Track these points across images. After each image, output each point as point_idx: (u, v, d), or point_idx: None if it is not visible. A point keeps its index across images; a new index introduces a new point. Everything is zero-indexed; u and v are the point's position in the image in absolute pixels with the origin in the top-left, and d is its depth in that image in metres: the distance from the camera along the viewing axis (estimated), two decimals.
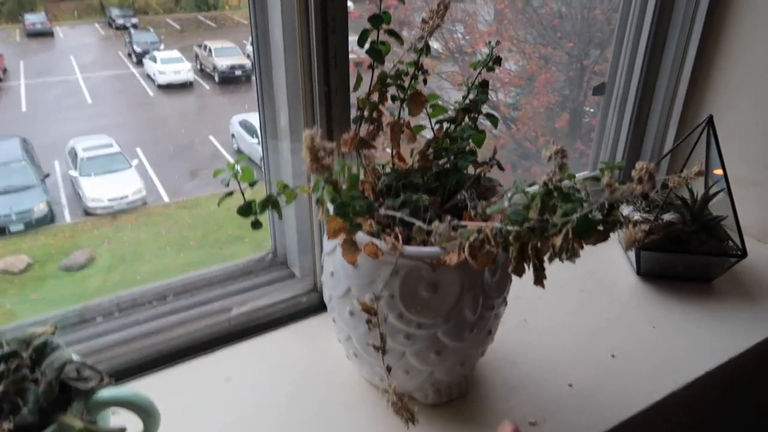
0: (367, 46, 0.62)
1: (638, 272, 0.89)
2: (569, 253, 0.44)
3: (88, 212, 2.60)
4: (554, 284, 0.70)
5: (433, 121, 0.67)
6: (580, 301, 0.83)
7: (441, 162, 0.66)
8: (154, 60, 3.25)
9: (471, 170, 0.66)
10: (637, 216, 0.89)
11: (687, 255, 0.85)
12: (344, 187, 0.45)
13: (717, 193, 0.86)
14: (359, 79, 0.64)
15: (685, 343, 0.75)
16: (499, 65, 0.66)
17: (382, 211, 0.49)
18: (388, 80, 0.63)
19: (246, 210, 0.59)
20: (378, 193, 0.63)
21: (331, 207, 0.44)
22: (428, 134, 0.68)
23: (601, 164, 0.62)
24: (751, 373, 0.82)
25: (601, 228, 0.52)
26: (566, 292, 0.85)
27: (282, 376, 0.67)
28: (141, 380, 0.65)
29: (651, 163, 0.42)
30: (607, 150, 1.09)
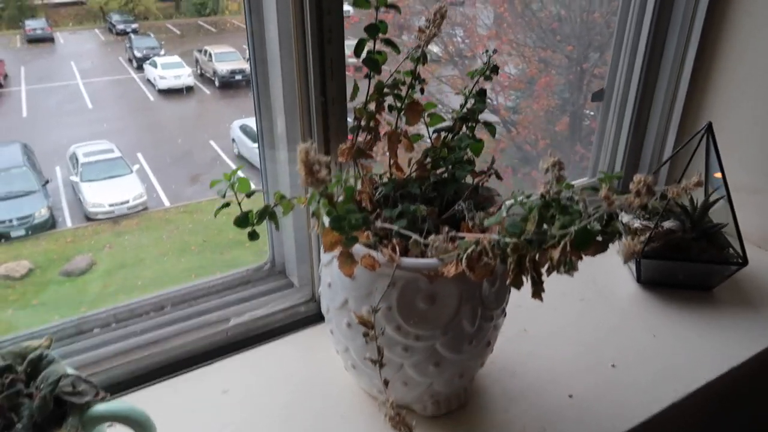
0: (363, 55, 0.62)
1: (638, 280, 0.88)
2: (567, 266, 0.44)
3: (89, 217, 2.60)
4: (554, 292, 0.69)
5: (431, 130, 0.67)
6: (580, 310, 0.83)
7: (439, 171, 0.66)
8: (155, 65, 3.26)
9: (470, 179, 0.66)
10: (636, 223, 0.88)
11: (687, 263, 0.85)
12: (340, 199, 0.44)
13: (717, 200, 0.85)
14: (356, 88, 0.63)
15: (686, 353, 0.75)
16: (497, 74, 0.66)
17: (379, 223, 0.49)
18: (385, 89, 0.63)
19: (243, 221, 0.58)
20: (375, 204, 0.63)
21: (326, 220, 0.44)
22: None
23: (599, 174, 0.62)
24: (751, 383, 0.81)
25: (600, 239, 0.51)
26: (566, 301, 0.84)
27: (279, 388, 0.67)
28: (138, 393, 0.65)
29: (648, 176, 0.42)
30: (606, 156, 1.09)
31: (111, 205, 2.69)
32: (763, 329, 0.79)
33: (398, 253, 0.53)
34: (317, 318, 0.77)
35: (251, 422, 0.63)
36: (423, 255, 0.53)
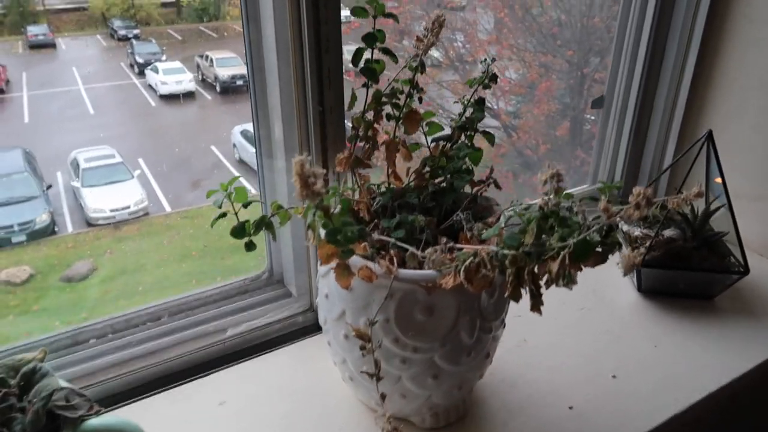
0: (361, 64, 0.61)
1: (639, 289, 0.87)
2: (566, 279, 0.43)
3: (90, 223, 2.60)
4: (554, 302, 0.68)
5: (429, 139, 0.66)
6: (580, 319, 0.82)
7: (437, 181, 0.65)
8: (156, 71, 3.26)
9: (469, 189, 0.65)
10: (637, 232, 0.88)
11: (688, 272, 0.84)
12: (336, 211, 0.44)
13: (718, 208, 0.85)
14: (353, 97, 0.63)
15: (687, 363, 0.74)
16: (495, 83, 0.65)
17: (376, 235, 0.48)
18: (383, 98, 0.63)
19: (239, 231, 0.58)
20: (373, 214, 0.63)
21: (322, 233, 0.44)
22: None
23: (599, 183, 0.62)
24: (752, 394, 0.80)
25: (599, 250, 0.51)
26: (566, 310, 0.84)
27: (276, 399, 0.66)
28: (133, 405, 0.64)
29: (648, 189, 0.41)
30: (606, 164, 1.09)
31: (112, 211, 2.68)
32: (764, 339, 0.79)
33: (396, 264, 0.53)
34: (315, 328, 0.77)
35: None
36: (420, 266, 0.53)
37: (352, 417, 0.64)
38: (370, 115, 0.63)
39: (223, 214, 0.59)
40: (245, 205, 0.59)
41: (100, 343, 0.68)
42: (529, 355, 0.74)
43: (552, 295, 0.46)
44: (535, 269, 0.47)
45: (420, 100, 0.64)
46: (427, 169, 0.66)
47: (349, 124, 0.67)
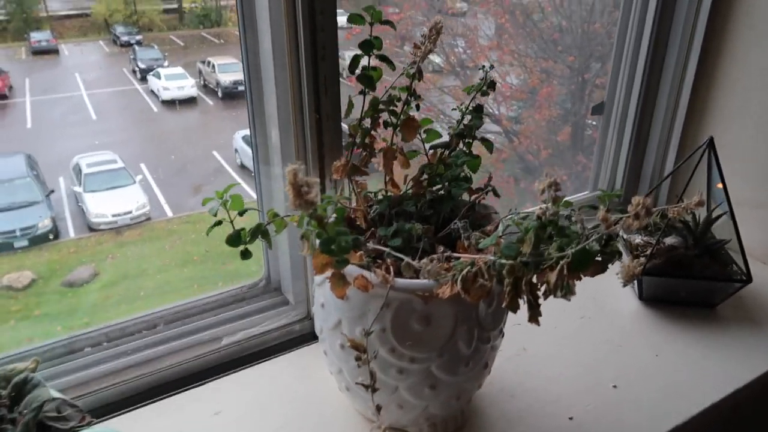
0: (358, 71, 0.61)
1: (640, 297, 0.87)
2: (564, 290, 0.43)
3: (92, 228, 2.60)
4: (554, 310, 0.68)
5: (427, 146, 0.66)
6: (580, 328, 0.81)
7: (435, 189, 0.65)
8: (158, 76, 3.27)
9: (467, 197, 0.64)
10: (638, 239, 0.87)
11: (690, 280, 0.83)
12: (331, 220, 0.43)
13: (720, 216, 0.84)
14: (350, 104, 0.63)
15: (689, 373, 0.73)
16: (494, 90, 0.65)
17: (371, 245, 0.48)
18: (381, 106, 0.62)
19: (235, 239, 0.57)
20: (370, 222, 0.62)
21: (316, 242, 0.43)
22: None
23: (599, 192, 0.61)
24: (754, 405, 0.79)
25: (599, 259, 0.50)
26: (566, 318, 0.83)
27: (272, 409, 0.66)
28: (127, 415, 0.63)
29: (647, 198, 0.40)
30: (607, 170, 1.08)
31: (114, 216, 2.69)
32: (767, 348, 0.78)
33: (392, 273, 0.52)
34: (312, 336, 0.76)
35: None
36: (417, 275, 0.52)
37: (349, 427, 0.63)
38: (367, 123, 0.62)
39: (219, 222, 0.58)
40: (240, 213, 0.59)
41: (94, 352, 0.68)
42: (528, 364, 0.74)
43: (552, 303, 0.46)
44: (533, 279, 0.46)
45: (417, 107, 0.64)
46: (425, 176, 0.65)
47: (347, 129, 0.66)
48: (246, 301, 0.78)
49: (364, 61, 0.60)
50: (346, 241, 0.42)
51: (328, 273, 0.50)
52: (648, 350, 0.77)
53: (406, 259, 0.46)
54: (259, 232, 0.57)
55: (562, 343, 0.78)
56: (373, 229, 0.61)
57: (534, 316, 0.45)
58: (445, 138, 0.66)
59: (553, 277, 0.43)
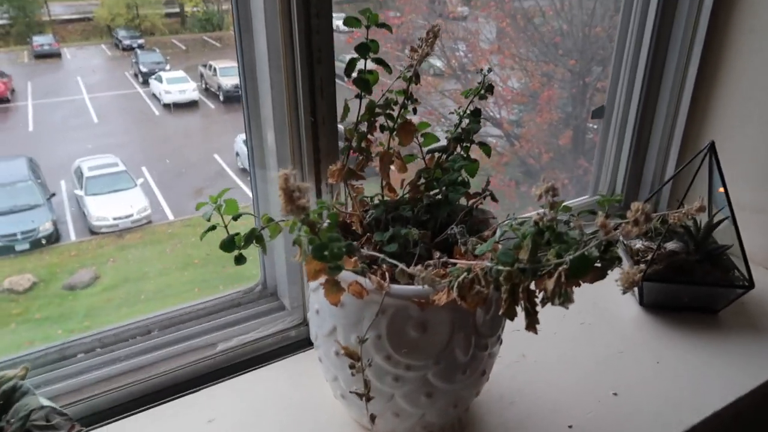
0: (354, 75, 0.60)
1: (641, 303, 0.85)
2: (562, 297, 0.42)
3: (93, 231, 2.60)
4: (553, 316, 0.67)
5: (425, 150, 0.65)
6: (580, 334, 0.80)
7: (432, 193, 0.64)
8: (160, 80, 3.28)
9: (465, 201, 0.64)
10: (638, 245, 0.86)
11: (691, 286, 0.82)
12: (324, 226, 0.42)
13: (721, 221, 0.83)
14: (346, 108, 0.62)
15: (691, 381, 0.72)
16: (491, 94, 0.64)
17: (365, 251, 0.47)
18: (377, 109, 0.62)
19: (229, 245, 0.57)
20: (366, 227, 0.61)
21: (308, 248, 0.42)
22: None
23: (598, 197, 0.60)
24: (756, 413, 0.77)
25: (598, 265, 0.49)
26: (566, 324, 0.82)
27: (267, 417, 0.65)
28: (119, 423, 0.62)
29: (647, 204, 0.39)
30: (607, 174, 1.07)
31: (115, 219, 2.69)
32: None
33: (388, 279, 0.51)
34: (308, 342, 0.75)
35: None
36: (412, 282, 0.51)
37: None
38: (363, 126, 0.62)
39: (213, 227, 0.58)
40: (235, 218, 0.58)
41: (87, 358, 0.67)
42: (527, 371, 0.73)
43: (551, 309, 0.45)
44: (531, 286, 0.45)
45: (414, 110, 0.63)
46: (422, 181, 0.64)
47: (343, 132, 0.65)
48: (242, 306, 0.77)
49: (360, 65, 0.59)
50: (338, 248, 0.41)
51: (322, 279, 0.49)
52: (649, 357, 0.76)
53: (401, 265, 0.45)
54: (254, 237, 0.56)
55: (562, 349, 0.77)
56: (369, 234, 0.60)
57: (531, 324, 0.44)
58: (443, 142, 0.65)
59: (550, 284, 0.42)
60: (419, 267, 0.43)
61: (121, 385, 0.65)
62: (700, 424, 0.65)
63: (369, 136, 0.62)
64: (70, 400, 0.62)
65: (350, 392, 0.51)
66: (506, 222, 0.57)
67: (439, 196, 0.63)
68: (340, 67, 0.64)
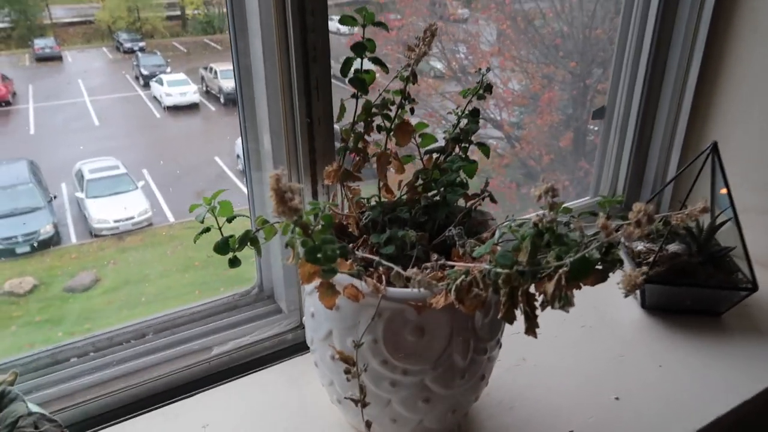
0: (351, 74, 0.59)
1: (643, 305, 0.84)
2: (562, 301, 0.41)
3: (94, 233, 2.60)
4: (554, 319, 0.66)
5: (422, 151, 0.64)
6: (581, 337, 0.79)
7: (430, 194, 0.63)
8: (161, 82, 3.28)
9: (463, 203, 0.63)
10: (640, 246, 0.85)
11: (694, 288, 0.81)
12: (317, 228, 0.41)
13: (724, 222, 0.82)
14: (342, 108, 0.61)
15: (694, 385, 0.71)
16: (490, 93, 0.63)
17: (360, 253, 0.46)
18: (374, 110, 0.61)
19: (223, 247, 0.56)
20: (363, 229, 0.60)
21: (301, 251, 0.41)
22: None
23: (599, 198, 0.59)
24: (757, 420, 0.76)
25: (599, 267, 0.48)
26: (567, 327, 0.81)
27: (263, 422, 0.63)
28: (112, 428, 0.61)
29: (649, 205, 0.38)
30: (608, 175, 1.06)
31: (116, 221, 2.69)
32: None
33: (384, 282, 0.50)
34: (305, 346, 0.73)
35: None
36: (409, 285, 0.50)
37: None
38: (360, 127, 0.61)
39: (207, 229, 0.57)
40: (229, 220, 0.57)
41: (81, 363, 0.66)
42: (527, 375, 0.71)
43: (552, 312, 0.43)
44: (531, 289, 0.44)
45: (412, 110, 0.62)
46: (420, 182, 0.63)
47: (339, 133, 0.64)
48: (238, 309, 0.76)
49: (357, 64, 0.58)
50: (332, 250, 0.40)
51: (316, 282, 0.48)
52: (651, 360, 0.75)
53: (396, 268, 0.44)
54: (248, 239, 0.55)
55: (563, 353, 0.76)
56: (365, 236, 0.59)
57: (531, 328, 0.43)
58: (441, 143, 0.64)
59: (550, 287, 0.41)
60: (415, 270, 0.42)
61: (114, 390, 0.63)
62: (703, 429, 0.64)
63: (366, 137, 0.61)
64: (62, 405, 0.61)
65: (345, 398, 0.50)
66: (505, 223, 0.57)
67: (437, 198, 0.62)
68: (339, 68, 0.63)
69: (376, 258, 0.46)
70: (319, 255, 0.40)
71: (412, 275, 0.41)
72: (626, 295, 0.43)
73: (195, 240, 0.58)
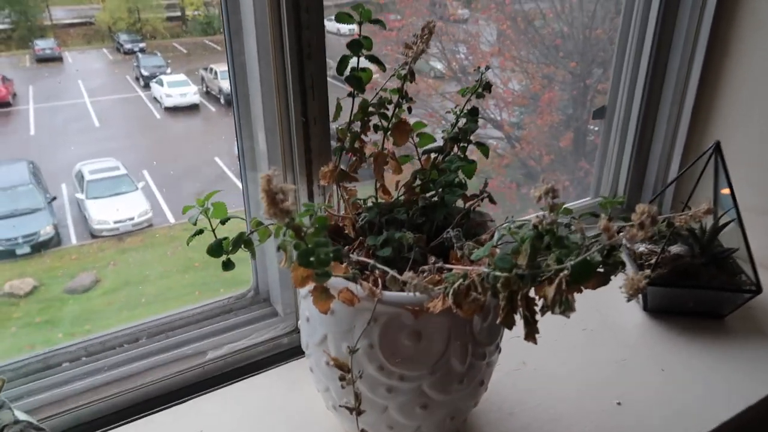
0: (347, 72, 0.58)
1: (645, 308, 0.83)
2: (563, 306, 0.39)
3: (94, 234, 2.59)
4: (555, 322, 0.64)
5: (420, 151, 0.63)
6: (583, 341, 0.78)
7: (428, 195, 0.62)
8: (161, 83, 3.27)
9: (462, 203, 0.61)
10: (642, 248, 0.83)
11: (696, 290, 0.79)
12: (310, 230, 0.40)
13: (727, 223, 0.81)
14: (339, 107, 0.60)
15: (697, 389, 0.69)
16: (489, 92, 0.62)
17: (354, 256, 0.45)
18: (371, 109, 0.59)
19: (216, 250, 0.54)
20: (359, 231, 0.59)
21: (294, 254, 0.40)
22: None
23: (600, 199, 0.58)
24: (760, 427, 0.75)
25: (601, 270, 0.47)
26: (568, 331, 0.79)
27: (258, 429, 0.62)
28: None
29: (653, 206, 0.37)
30: (609, 176, 1.05)
31: (116, 222, 2.67)
32: None
33: (380, 285, 0.49)
34: (301, 350, 0.72)
35: None
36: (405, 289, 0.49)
37: None
38: (356, 126, 0.59)
39: (200, 231, 0.56)
40: (223, 222, 0.56)
41: (73, 367, 0.65)
42: (528, 379, 0.70)
43: (552, 315, 0.42)
44: (531, 293, 0.43)
45: (409, 110, 0.61)
46: (418, 182, 0.62)
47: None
48: (233, 312, 0.75)
49: (354, 62, 0.57)
50: (325, 253, 0.39)
51: (310, 286, 0.46)
52: (653, 364, 0.74)
53: (391, 272, 0.43)
54: (242, 241, 0.54)
55: (564, 356, 0.75)
56: (361, 238, 0.58)
57: (531, 333, 0.42)
58: (440, 142, 0.63)
59: (550, 291, 0.40)
60: (411, 274, 0.40)
61: (106, 396, 0.62)
62: None
63: (362, 137, 0.60)
64: (53, 411, 0.60)
65: (339, 406, 0.49)
66: (504, 225, 0.55)
67: (436, 199, 0.61)
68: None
69: (371, 261, 0.45)
70: (312, 258, 0.38)
71: (408, 279, 0.40)
72: (629, 300, 0.42)
73: (188, 242, 0.57)
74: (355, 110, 0.59)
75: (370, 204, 0.61)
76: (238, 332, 0.72)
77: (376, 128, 0.60)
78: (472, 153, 0.64)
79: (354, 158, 0.61)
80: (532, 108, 3.23)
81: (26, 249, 2.38)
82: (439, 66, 3.09)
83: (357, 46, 0.56)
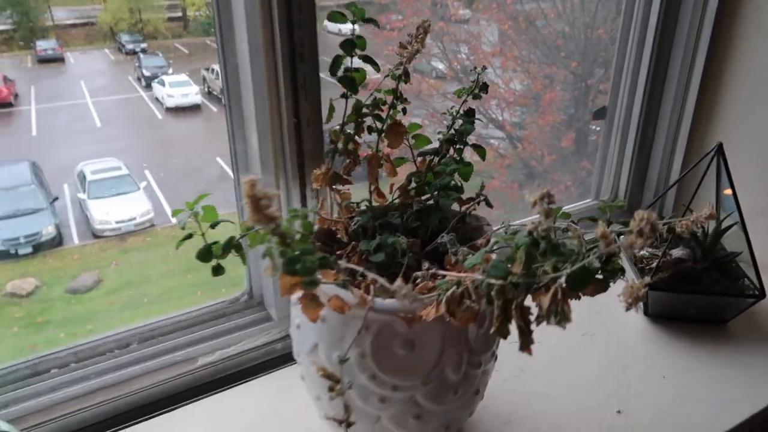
0: (340, 73, 0.57)
1: (646, 313, 0.81)
2: (558, 316, 0.38)
3: (96, 234, 2.59)
4: (553, 327, 0.63)
5: (415, 153, 0.62)
6: (582, 347, 0.76)
7: (424, 198, 0.60)
8: (163, 84, 3.27)
9: (458, 207, 0.60)
10: (642, 251, 0.82)
11: (699, 295, 0.78)
12: (296, 237, 0.39)
13: (730, 226, 0.79)
14: (332, 108, 0.59)
15: (699, 397, 0.68)
16: (486, 92, 0.60)
17: (343, 263, 0.43)
18: (364, 110, 0.58)
19: (205, 254, 0.53)
20: (352, 235, 0.58)
21: (279, 262, 0.39)
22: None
23: (600, 203, 0.56)
24: None
25: (600, 277, 0.46)
26: (567, 336, 0.77)
27: None
28: None
29: (652, 213, 0.36)
30: (610, 177, 1.03)
31: (118, 222, 2.68)
32: None
33: (372, 292, 0.48)
34: None
35: None
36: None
37: None
38: (350, 128, 0.58)
39: (189, 236, 0.55)
40: (212, 226, 0.55)
41: (61, 374, 0.63)
42: (525, 386, 0.69)
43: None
44: (526, 302, 0.41)
45: (404, 111, 0.59)
46: (413, 185, 0.61)
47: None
48: (227, 317, 0.74)
49: (347, 63, 0.56)
50: (311, 261, 0.37)
51: (299, 294, 0.45)
52: (655, 371, 0.72)
53: (381, 280, 0.42)
54: (232, 246, 0.52)
55: (562, 363, 0.73)
56: (354, 242, 0.57)
57: (526, 344, 0.40)
58: (436, 144, 0.62)
59: (546, 301, 0.38)
60: (400, 282, 0.39)
61: (94, 404, 0.61)
62: None
63: (356, 138, 0.59)
64: (40, 419, 0.59)
65: (327, 418, 0.48)
66: (499, 230, 0.54)
67: (431, 202, 0.60)
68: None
69: (360, 269, 0.44)
70: (297, 266, 0.37)
71: (396, 288, 0.39)
72: (627, 309, 0.41)
73: (177, 247, 0.56)
74: (348, 111, 0.57)
75: (363, 207, 0.59)
76: (231, 337, 0.71)
77: (370, 130, 0.59)
78: (471, 154, 0.62)
79: (347, 160, 0.59)
80: (533, 108, 3.21)
81: (28, 249, 2.39)
82: (440, 66, 3.08)
83: (350, 45, 0.55)
